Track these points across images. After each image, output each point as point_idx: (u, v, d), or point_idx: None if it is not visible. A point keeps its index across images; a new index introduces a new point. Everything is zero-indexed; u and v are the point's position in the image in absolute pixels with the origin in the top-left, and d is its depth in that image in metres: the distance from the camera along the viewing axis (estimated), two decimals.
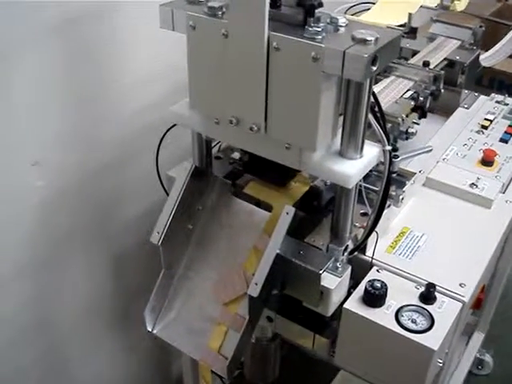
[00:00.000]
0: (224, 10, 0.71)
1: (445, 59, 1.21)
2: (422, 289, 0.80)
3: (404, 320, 0.77)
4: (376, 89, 1.03)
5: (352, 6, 1.15)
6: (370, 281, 0.80)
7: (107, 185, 1.12)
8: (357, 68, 0.63)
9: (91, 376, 1.28)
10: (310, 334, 0.88)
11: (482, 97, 1.28)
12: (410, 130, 1.03)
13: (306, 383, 1.56)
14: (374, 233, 0.82)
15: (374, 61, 0.64)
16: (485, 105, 1.25)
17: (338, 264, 0.80)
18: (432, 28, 1.30)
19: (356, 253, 0.84)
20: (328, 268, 0.79)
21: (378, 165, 0.79)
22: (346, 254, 0.82)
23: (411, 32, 1.25)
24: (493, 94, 1.29)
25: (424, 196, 0.99)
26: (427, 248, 0.89)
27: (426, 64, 1.13)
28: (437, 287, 0.80)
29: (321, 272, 0.77)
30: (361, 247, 0.84)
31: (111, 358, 1.33)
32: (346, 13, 1.15)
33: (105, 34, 0.99)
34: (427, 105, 1.08)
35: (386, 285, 0.79)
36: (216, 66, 0.74)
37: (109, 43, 1.00)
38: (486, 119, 1.18)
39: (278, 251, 0.77)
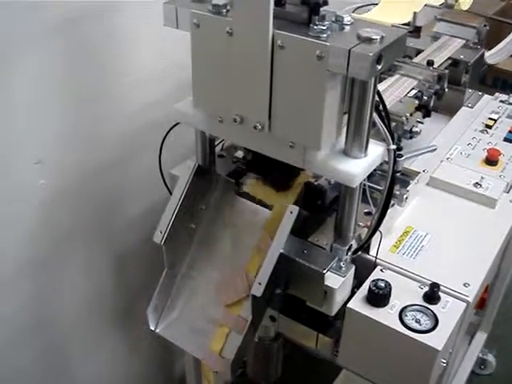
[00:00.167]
0: (228, 7, 0.70)
1: (449, 58, 1.20)
2: (426, 288, 0.80)
3: (408, 320, 0.77)
4: (380, 87, 1.02)
5: (360, 7, 1.14)
6: (373, 280, 0.80)
7: (109, 183, 1.12)
8: (362, 67, 0.63)
9: (92, 375, 1.28)
10: (313, 333, 0.88)
11: (486, 96, 1.28)
12: (414, 129, 1.02)
13: (308, 383, 1.56)
14: (377, 232, 0.82)
15: (379, 59, 0.63)
16: (489, 104, 1.25)
17: (341, 263, 0.80)
18: (436, 27, 1.29)
19: (360, 252, 0.84)
20: (332, 267, 0.78)
21: (381, 164, 0.79)
22: (349, 253, 0.82)
23: (415, 31, 1.25)
24: (497, 94, 1.29)
25: (428, 195, 0.99)
26: (431, 247, 0.88)
27: (430, 63, 1.12)
28: (441, 287, 0.80)
29: (324, 271, 0.77)
30: (364, 247, 0.84)
31: (113, 358, 1.33)
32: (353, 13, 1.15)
33: (106, 32, 0.99)
34: (431, 104, 1.08)
35: (389, 284, 0.79)
36: (220, 64, 0.73)
37: (110, 42, 1.00)
38: (490, 118, 1.18)
39: (281, 250, 0.77)
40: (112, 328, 1.28)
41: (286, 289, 0.83)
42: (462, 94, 1.24)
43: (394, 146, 0.76)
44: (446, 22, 1.28)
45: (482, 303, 1.02)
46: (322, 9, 0.67)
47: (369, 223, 0.83)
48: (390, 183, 0.77)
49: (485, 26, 1.27)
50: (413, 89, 1.06)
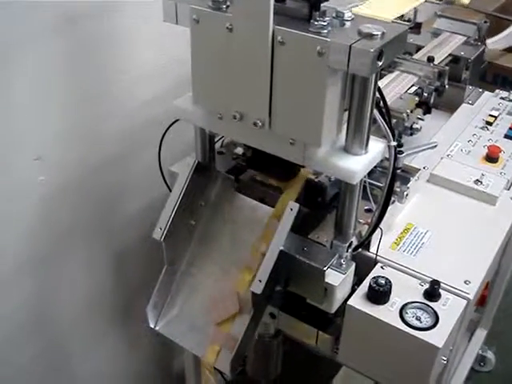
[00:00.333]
0: (228, 3, 0.70)
1: (449, 55, 1.20)
2: (427, 286, 0.80)
3: (408, 317, 0.77)
4: (380, 84, 1.02)
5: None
6: (374, 277, 0.79)
7: (109, 180, 1.11)
8: (363, 63, 0.63)
9: (92, 373, 1.28)
10: (313, 330, 0.88)
11: (487, 93, 1.28)
12: (415, 126, 1.02)
13: (308, 380, 1.56)
14: (378, 229, 0.81)
15: (380, 55, 0.63)
16: (489, 101, 1.25)
17: (342, 261, 0.80)
18: (436, 23, 1.29)
19: (360, 249, 0.84)
20: (332, 265, 0.78)
21: (382, 161, 0.78)
22: (350, 250, 0.81)
23: (416, 27, 1.25)
24: (497, 90, 1.28)
25: (428, 192, 0.99)
26: (431, 245, 0.88)
27: (430, 59, 1.12)
28: (441, 284, 0.79)
29: (325, 269, 0.76)
30: (365, 244, 0.84)
31: (112, 355, 1.33)
32: None
33: (106, 31, 0.99)
34: (432, 100, 1.07)
35: (390, 281, 0.79)
36: (220, 60, 0.73)
37: (110, 39, 1.00)
38: (490, 115, 1.18)
39: (281, 248, 0.77)
40: (112, 325, 1.28)
41: (286, 286, 0.83)
42: (462, 90, 1.24)
43: (394, 143, 0.75)
44: (447, 19, 1.28)
45: (482, 300, 1.02)
46: (322, 5, 0.66)
47: (369, 220, 0.83)
48: (391, 180, 0.77)
49: (485, 22, 1.27)
50: (413, 85, 1.06)
